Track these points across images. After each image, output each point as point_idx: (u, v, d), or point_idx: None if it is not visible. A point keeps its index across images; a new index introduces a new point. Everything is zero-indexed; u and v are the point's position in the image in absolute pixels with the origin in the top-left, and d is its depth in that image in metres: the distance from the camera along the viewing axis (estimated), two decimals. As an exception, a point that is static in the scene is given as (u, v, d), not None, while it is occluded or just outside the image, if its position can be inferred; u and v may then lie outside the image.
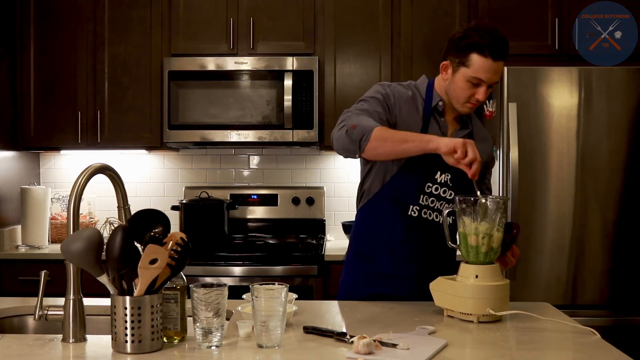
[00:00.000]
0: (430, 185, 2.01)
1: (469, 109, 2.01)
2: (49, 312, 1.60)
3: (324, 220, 3.84)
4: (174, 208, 3.60)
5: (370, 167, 2.07)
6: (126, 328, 1.43)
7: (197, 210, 3.55)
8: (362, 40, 3.58)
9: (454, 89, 1.99)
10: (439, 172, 2.00)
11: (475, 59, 1.91)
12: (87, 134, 3.63)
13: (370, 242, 2.09)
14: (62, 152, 3.87)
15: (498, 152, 3.17)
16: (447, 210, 1.86)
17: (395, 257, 2.04)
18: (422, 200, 2.01)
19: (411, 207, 2.01)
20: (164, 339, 1.52)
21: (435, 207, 2.02)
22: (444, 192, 2.02)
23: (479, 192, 1.80)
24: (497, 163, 3.18)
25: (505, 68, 3.13)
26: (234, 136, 3.52)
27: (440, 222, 2.00)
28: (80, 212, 2.01)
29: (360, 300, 2.03)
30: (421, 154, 1.84)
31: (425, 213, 2.02)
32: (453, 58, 1.98)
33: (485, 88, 1.95)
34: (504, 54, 1.93)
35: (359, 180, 2.14)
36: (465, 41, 1.93)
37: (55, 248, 3.49)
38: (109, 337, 1.48)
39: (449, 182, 2.01)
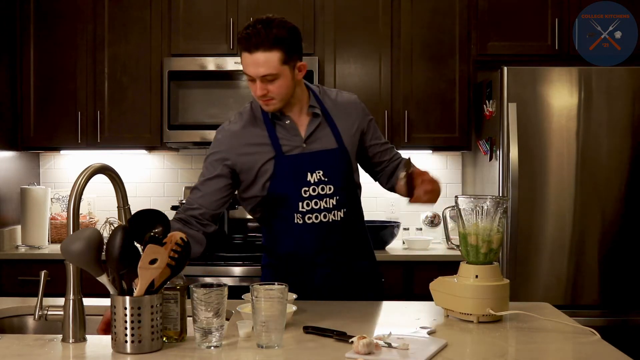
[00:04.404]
0: (307, 188, 1.95)
1: (265, 106, 1.92)
2: (49, 312, 1.60)
3: (324, 220, 3.83)
4: (174, 208, 3.59)
5: (245, 188, 2.02)
6: (126, 328, 1.43)
7: (197, 210, 3.54)
8: (362, 41, 3.58)
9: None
10: (309, 173, 1.95)
11: (242, 55, 1.86)
12: (87, 134, 3.63)
13: (273, 253, 2.07)
14: (62, 152, 3.87)
15: (498, 152, 3.17)
16: (448, 210, 1.86)
17: (300, 266, 2.01)
18: (303, 207, 1.95)
19: (295, 215, 1.96)
20: (164, 339, 1.52)
21: (322, 207, 1.96)
22: (322, 189, 1.96)
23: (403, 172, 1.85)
24: (497, 163, 3.18)
25: (505, 68, 3.13)
26: (234, 136, 3.52)
27: (330, 220, 1.97)
28: (80, 212, 2.01)
29: None
30: None
31: (309, 219, 1.96)
32: None
33: (260, 83, 1.85)
34: (260, 42, 1.81)
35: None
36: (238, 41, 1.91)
37: (55, 248, 3.49)
38: (109, 337, 1.48)
39: (323, 177, 1.96)
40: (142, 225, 1.50)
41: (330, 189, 1.96)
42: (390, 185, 2.14)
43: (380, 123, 3.48)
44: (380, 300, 2.04)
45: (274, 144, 1.96)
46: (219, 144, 2.02)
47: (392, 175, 2.12)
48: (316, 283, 2.01)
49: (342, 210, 1.98)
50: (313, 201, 1.95)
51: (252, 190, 2.00)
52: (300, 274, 2.00)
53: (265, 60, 1.83)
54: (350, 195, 2.03)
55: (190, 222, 1.95)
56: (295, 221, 1.97)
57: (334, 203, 1.97)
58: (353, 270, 2.04)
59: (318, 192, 1.96)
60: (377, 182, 2.21)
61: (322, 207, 1.96)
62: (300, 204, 1.95)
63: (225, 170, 1.99)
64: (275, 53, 1.83)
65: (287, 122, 1.99)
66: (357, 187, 2.09)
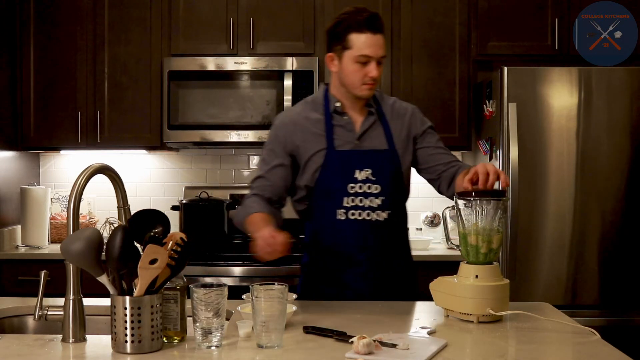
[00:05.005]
0: (353, 185, 1.99)
1: (368, 90, 1.99)
2: (49, 312, 1.60)
3: (324, 220, 3.83)
4: (174, 208, 3.60)
5: (300, 174, 2.06)
6: (126, 328, 1.43)
7: (197, 210, 3.55)
8: (362, 40, 3.57)
9: (346, 75, 1.99)
10: (357, 170, 1.99)
11: (355, 38, 1.95)
12: (87, 134, 3.63)
13: (313, 249, 2.10)
14: (62, 152, 3.87)
15: (498, 152, 3.17)
16: (448, 210, 1.86)
17: (338, 263, 2.03)
18: (347, 203, 1.99)
19: (337, 211, 2.00)
20: (164, 339, 1.52)
21: (366, 206, 2.00)
22: (369, 187, 1.99)
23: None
24: (497, 163, 3.18)
25: (505, 68, 3.13)
26: (234, 136, 3.52)
27: (374, 220, 1.99)
28: (80, 212, 2.01)
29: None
30: None
31: (353, 215, 2.00)
32: (335, 47, 2.01)
33: (376, 64, 1.95)
34: (380, 26, 1.97)
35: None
36: (341, 26, 1.99)
37: (55, 248, 3.49)
38: (109, 337, 1.48)
39: (371, 177, 2.00)
40: (142, 225, 1.50)
41: (376, 188, 2.00)
42: (451, 192, 2.05)
43: (380, 123, 3.48)
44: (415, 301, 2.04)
45: (327, 137, 2.01)
46: (275, 130, 2.09)
47: (453, 179, 2.05)
48: (352, 282, 2.02)
49: (387, 211, 2.00)
50: (358, 198, 1.99)
51: (303, 177, 2.04)
52: (338, 272, 2.03)
53: (384, 42, 1.98)
54: (397, 198, 2.05)
55: (267, 202, 2.04)
56: (338, 217, 2.00)
57: (379, 203, 2.00)
58: (390, 271, 2.05)
59: (364, 190, 1.99)
60: (439, 191, 2.13)
61: (366, 206, 2.00)
62: (345, 199, 1.99)
63: (285, 159, 2.05)
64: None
65: (345, 117, 2.04)
66: (405, 192, 2.10)
